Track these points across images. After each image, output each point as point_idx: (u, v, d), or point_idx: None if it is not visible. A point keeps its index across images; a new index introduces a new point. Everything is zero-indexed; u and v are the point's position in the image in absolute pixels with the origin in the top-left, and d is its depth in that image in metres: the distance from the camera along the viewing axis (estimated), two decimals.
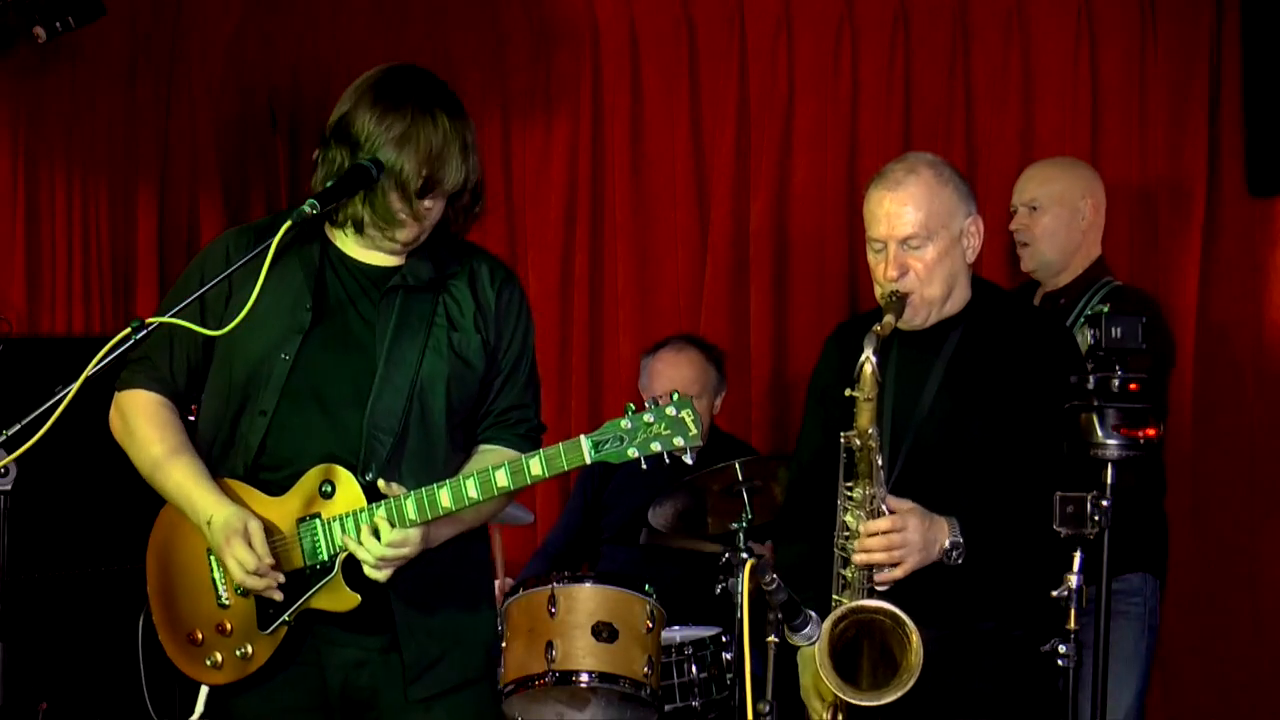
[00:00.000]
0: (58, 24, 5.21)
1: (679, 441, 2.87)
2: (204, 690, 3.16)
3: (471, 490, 2.94)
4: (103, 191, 6.00)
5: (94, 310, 5.96)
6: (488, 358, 3.14)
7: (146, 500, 3.19)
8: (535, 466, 2.91)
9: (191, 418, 3.22)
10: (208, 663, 3.09)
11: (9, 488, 3.43)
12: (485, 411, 3.18)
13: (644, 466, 2.90)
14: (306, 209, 2.92)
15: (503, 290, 3.19)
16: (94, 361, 2.78)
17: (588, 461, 2.89)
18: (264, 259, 2.92)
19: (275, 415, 3.04)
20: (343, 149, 3.04)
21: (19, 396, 2.87)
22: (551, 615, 4.35)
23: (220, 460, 3.11)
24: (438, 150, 3.01)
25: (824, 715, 3.32)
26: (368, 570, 2.97)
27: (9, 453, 2.88)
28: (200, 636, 3.10)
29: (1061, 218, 4.45)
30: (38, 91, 5.81)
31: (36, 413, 2.78)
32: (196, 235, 6.26)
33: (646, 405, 2.89)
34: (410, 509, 2.94)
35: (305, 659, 3.08)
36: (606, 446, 2.87)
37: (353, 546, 2.96)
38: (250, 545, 2.96)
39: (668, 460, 2.90)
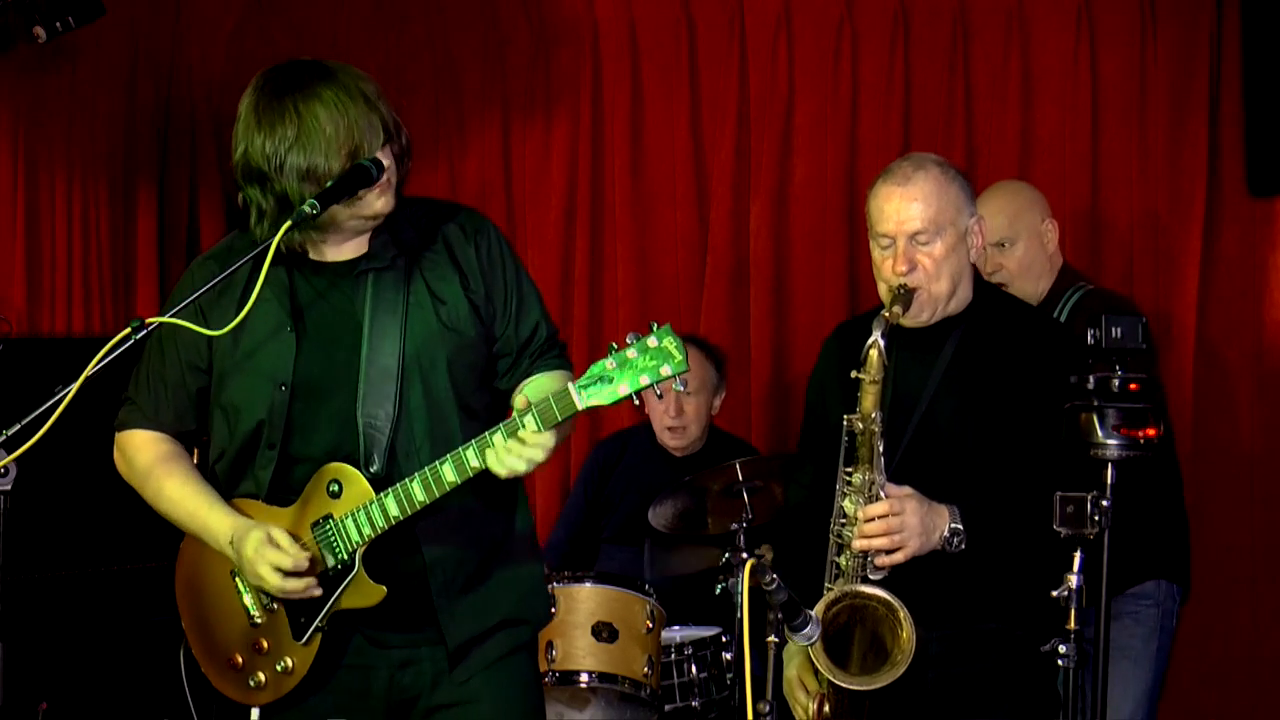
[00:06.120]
0: (58, 24, 5.20)
1: (666, 370, 2.77)
2: (255, 715, 3.14)
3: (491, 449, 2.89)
4: (103, 191, 5.99)
5: (94, 310, 5.95)
6: (482, 317, 3.12)
7: (145, 501, 3.19)
8: (530, 422, 2.84)
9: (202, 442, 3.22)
10: (251, 684, 3.08)
11: (9, 488, 3.42)
12: (509, 351, 3.15)
13: (636, 402, 2.82)
14: (306, 209, 2.89)
15: (478, 241, 3.16)
16: (94, 361, 2.78)
17: (579, 407, 2.80)
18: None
19: (283, 445, 3.04)
20: (253, 186, 2.97)
21: (19, 396, 2.87)
22: (551, 615, 4.35)
23: (233, 486, 3.10)
24: (342, 133, 2.92)
25: (810, 707, 3.28)
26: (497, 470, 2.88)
27: (9, 453, 2.89)
28: (240, 660, 3.09)
29: (1033, 248, 4.37)
30: (38, 91, 5.81)
31: (36, 413, 2.79)
32: (196, 235, 6.27)
33: (628, 340, 2.80)
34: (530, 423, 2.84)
35: (351, 662, 3.08)
36: (594, 388, 2.79)
37: (492, 459, 2.87)
38: (280, 548, 2.95)
39: (658, 393, 2.83)
